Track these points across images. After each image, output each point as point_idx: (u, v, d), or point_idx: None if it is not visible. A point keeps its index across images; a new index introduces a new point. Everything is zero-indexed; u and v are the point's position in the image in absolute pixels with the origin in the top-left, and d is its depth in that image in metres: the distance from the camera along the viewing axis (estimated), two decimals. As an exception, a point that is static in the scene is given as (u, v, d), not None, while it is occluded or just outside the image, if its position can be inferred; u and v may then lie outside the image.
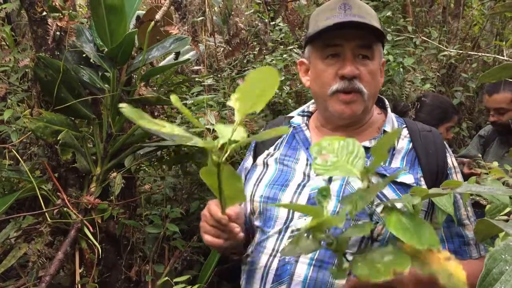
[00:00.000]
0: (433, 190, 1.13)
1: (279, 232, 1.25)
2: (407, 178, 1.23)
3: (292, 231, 1.23)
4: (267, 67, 0.67)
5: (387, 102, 1.42)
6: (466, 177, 1.53)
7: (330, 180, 1.25)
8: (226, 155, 0.73)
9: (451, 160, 1.33)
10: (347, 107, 1.25)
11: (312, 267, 1.16)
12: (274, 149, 1.42)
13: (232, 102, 0.70)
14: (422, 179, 1.26)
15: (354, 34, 1.23)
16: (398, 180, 1.22)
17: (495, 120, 2.61)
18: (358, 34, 1.23)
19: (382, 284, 0.93)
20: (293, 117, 1.46)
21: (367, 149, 1.28)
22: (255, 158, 1.46)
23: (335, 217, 0.87)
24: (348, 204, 0.88)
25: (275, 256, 1.23)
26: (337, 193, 1.22)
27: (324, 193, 0.94)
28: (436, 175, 1.27)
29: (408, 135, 1.33)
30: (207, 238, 1.20)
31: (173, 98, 0.70)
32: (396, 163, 1.27)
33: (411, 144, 1.31)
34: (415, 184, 1.23)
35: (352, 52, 1.24)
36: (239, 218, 1.20)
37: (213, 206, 1.17)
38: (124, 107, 0.63)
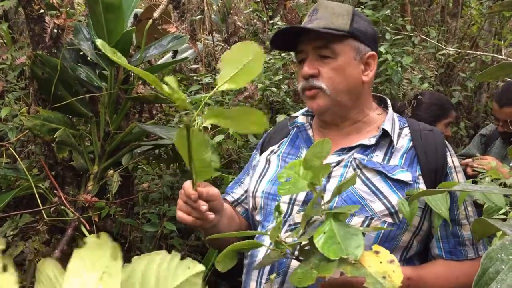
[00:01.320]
0: (427, 191, 1.15)
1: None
2: (404, 175, 1.24)
3: (290, 225, 1.26)
4: (251, 42, 0.67)
5: (389, 102, 1.44)
6: (469, 178, 1.54)
7: (328, 178, 1.28)
8: (197, 122, 0.73)
9: (452, 159, 1.34)
10: (312, 102, 1.34)
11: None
12: (278, 147, 1.47)
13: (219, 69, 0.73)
14: (420, 177, 1.27)
15: (312, 37, 1.32)
16: (395, 177, 1.23)
17: (504, 131, 2.59)
18: (316, 37, 1.31)
19: (347, 285, 1.02)
20: (297, 116, 1.50)
21: (365, 146, 1.31)
22: (261, 155, 1.51)
23: (292, 232, 1.04)
24: (303, 216, 1.03)
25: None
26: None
27: (278, 209, 1.07)
28: (435, 173, 1.28)
29: (409, 134, 1.35)
30: (178, 213, 1.20)
31: (169, 79, 0.70)
32: (395, 161, 1.29)
33: (411, 143, 1.33)
34: (412, 182, 1.24)
35: (312, 53, 1.33)
36: (213, 200, 1.20)
37: (187, 182, 1.18)
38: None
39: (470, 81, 3.40)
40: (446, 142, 1.37)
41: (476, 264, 1.20)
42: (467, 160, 2.42)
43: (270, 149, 1.48)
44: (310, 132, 1.44)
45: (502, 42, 3.04)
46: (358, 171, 1.26)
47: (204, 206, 1.14)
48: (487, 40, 3.95)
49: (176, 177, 2.54)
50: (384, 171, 1.24)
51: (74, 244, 2.05)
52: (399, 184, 1.23)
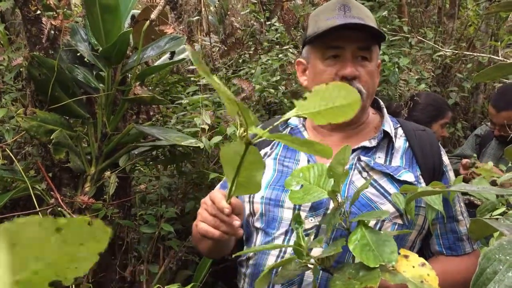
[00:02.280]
0: (426, 191, 1.15)
1: (285, 233, 1.25)
2: (408, 176, 1.25)
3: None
4: (353, 89, 0.59)
5: (381, 102, 1.44)
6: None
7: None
8: (260, 135, 0.66)
9: (445, 158, 1.37)
10: None
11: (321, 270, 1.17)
12: (271, 149, 1.42)
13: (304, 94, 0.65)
14: (421, 177, 1.28)
15: (354, 36, 1.26)
16: (401, 178, 1.24)
17: (501, 134, 2.59)
18: (358, 36, 1.25)
19: None
20: (289, 118, 1.46)
21: (366, 148, 1.30)
22: None
23: (314, 241, 1.00)
24: (328, 225, 0.99)
25: (282, 257, 1.23)
26: (341, 193, 1.22)
27: (298, 219, 1.04)
28: (433, 173, 1.30)
29: (404, 134, 1.36)
30: (203, 226, 1.10)
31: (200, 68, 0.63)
32: (396, 161, 1.30)
33: (407, 143, 1.33)
34: (415, 182, 1.25)
35: (352, 53, 1.26)
36: (240, 213, 1.15)
37: (217, 193, 1.10)
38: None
39: (467, 82, 3.41)
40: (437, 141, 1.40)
41: (473, 258, 1.25)
42: (466, 160, 2.42)
43: (263, 151, 1.42)
44: (305, 133, 1.40)
45: (499, 43, 3.05)
46: (365, 174, 1.25)
47: (237, 221, 1.07)
48: (484, 41, 3.96)
49: (173, 178, 2.54)
50: (390, 173, 1.25)
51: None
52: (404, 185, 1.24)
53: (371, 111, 1.42)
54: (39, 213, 1.95)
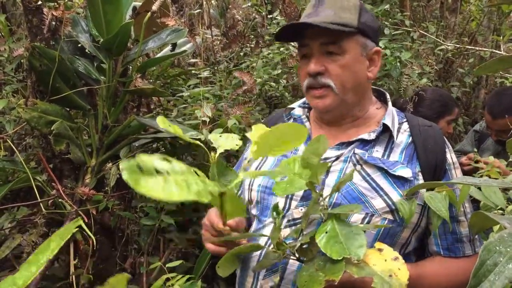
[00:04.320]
0: (426, 184, 1.14)
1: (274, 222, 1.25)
2: (405, 172, 1.22)
3: (289, 221, 1.24)
4: (300, 125, 0.69)
5: (388, 96, 1.41)
6: (465, 173, 1.53)
7: (327, 173, 1.25)
8: (234, 184, 0.75)
9: (451, 155, 1.32)
10: (319, 101, 1.29)
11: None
12: None
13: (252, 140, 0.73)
14: (420, 173, 1.25)
15: (318, 32, 1.25)
16: (396, 173, 1.21)
17: (498, 139, 2.59)
18: (322, 31, 1.23)
19: (347, 285, 1.01)
20: (293, 108, 1.47)
21: (365, 141, 1.29)
22: None
23: (291, 232, 1.02)
24: (304, 215, 1.01)
25: (270, 244, 1.23)
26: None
27: (277, 210, 1.05)
28: (434, 170, 1.27)
29: (408, 129, 1.33)
30: (210, 246, 1.20)
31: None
32: (395, 156, 1.27)
33: (410, 138, 1.31)
34: (412, 179, 1.22)
35: (318, 50, 1.26)
36: (240, 225, 1.19)
37: (213, 216, 1.16)
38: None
39: (468, 76, 3.40)
40: (445, 138, 1.35)
41: (474, 261, 1.18)
42: (463, 158, 2.42)
43: None
44: (307, 124, 1.41)
45: (501, 37, 3.04)
46: (359, 167, 1.24)
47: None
48: (486, 36, 3.95)
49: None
50: (385, 167, 1.22)
51: (71, 237, 2.05)
52: (400, 181, 1.21)
53: (376, 105, 1.39)
54: (40, 204, 1.95)
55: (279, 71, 2.79)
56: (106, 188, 2.16)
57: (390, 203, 1.19)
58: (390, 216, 1.19)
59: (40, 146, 2.12)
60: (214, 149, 1.01)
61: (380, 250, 0.90)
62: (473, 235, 1.29)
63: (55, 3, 2.05)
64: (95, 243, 1.98)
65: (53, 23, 2.04)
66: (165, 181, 0.60)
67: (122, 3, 2.09)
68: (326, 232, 0.91)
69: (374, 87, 1.44)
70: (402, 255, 1.23)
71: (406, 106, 2.40)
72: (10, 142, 2.06)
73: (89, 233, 1.96)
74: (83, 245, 2.04)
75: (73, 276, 1.99)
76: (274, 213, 1.05)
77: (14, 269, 2.12)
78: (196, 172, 0.66)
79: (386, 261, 0.88)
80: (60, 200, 1.99)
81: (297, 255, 0.98)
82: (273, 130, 0.69)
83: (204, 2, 4.00)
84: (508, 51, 3.46)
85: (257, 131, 0.91)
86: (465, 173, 2.45)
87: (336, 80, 1.26)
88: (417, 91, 2.48)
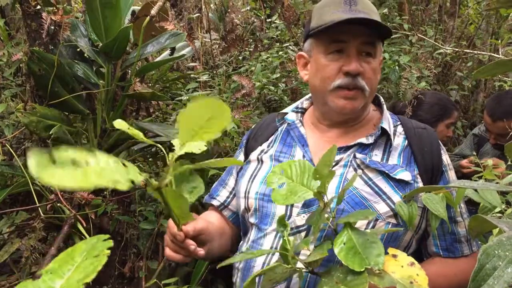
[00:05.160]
0: (425, 187, 1.14)
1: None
2: (405, 175, 1.22)
3: (291, 229, 1.21)
4: (219, 101, 0.63)
5: (382, 99, 1.41)
6: (465, 176, 1.53)
7: None
8: (167, 180, 0.74)
9: (446, 157, 1.33)
10: (348, 102, 1.25)
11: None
12: (268, 146, 1.41)
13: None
14: (418, 176, 1.25)
15: (360, 31, 1.22)
16: (397, 177, 1.21)
17: (497, 143, 2.60)
18: (363, 31, 1.22)
19: None
20: (287, 113, 1.45)
21: (363, 145, 1.29)
22: (246, 154, 1.45)
23: (301, 243, 0.97)
24: (314, 226, 0.96)
25: (273, 254, 1.22)
26: (335, 191, 1.22)
27: (283, 222, 1.01)
28: (431, 172, 1.27)
29: (403, 132, 1.33)
30: (166, 251, 1.18)
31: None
32: (393, 160, 1.27)
33: (406, 141, 1.31)
34: (412, 182, 1.22)
35: (357, 49, 1.23)
36: (201, 234, 1.17)
37: (171, 222, 1.15)
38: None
39: (467, 80, 3.40)
40: (439, 140, 1.35)
41: (472, 260, 1.18)
42: (463, 162, 2.42)
43: (260, 148, 1.41)
44: (302, 129, 1.38)
45: (499, 41, 3.05)
46: (360, 171, 1.23)
47: (192, 246, 1.11)
48: (484, 40, 3.96)
49: (173, 174, 2.53)
50: (386, 171, 1.22)
51: (70, 241, 2.05)
52: (401, 184, 1.21)
53: (372, 108, 1.39)
54: (39, 208, 1.95)
55: (278, 74, 2.80)
56: (105, 192, 2.15)
57: (393, 206, 1.19)
58: (393, 220, 1.19)
59: (39, 151, 2.12)
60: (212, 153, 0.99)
61: (394, 256, 0.88)
62: (473, 238, 1.29)
63: (54, 8, 2.05)
64: (94, 248, 1.98)
65: (52, 27, 2.05)
66: (79, 172, 0.56)
67: (121, 7, 2.09)
68: (344, 243, 0.88)
69: None
70: None
71: (405, 110, 2.40)
72: (9, 147, 2.06)
73: (87, 237, 1.96)
74: (81, 250, 2.03)
75: (72, 281, 1.98)
76: (280, 227, 1.01)
77: (12, 274, 2.11)
78: (124, 164, 0.63)
79: (403, 267, 0.86)
80: (58, 204, 1.99)
81: (309, 268, 0.95)
82: (191, 108, 0.63)
83: (203, 6, 4.01)
84: (507, 54, 3.47)
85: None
86: (465, 176, 2.45)
87: (369, 83, 1.25)
88: (416, 95, 2.48)
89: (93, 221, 2.05)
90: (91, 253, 0.60)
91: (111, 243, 0.61)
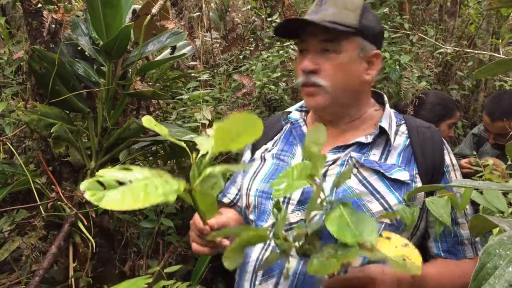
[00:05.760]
0: (424, 187, 1.13)
1: (272, 226, 1.25)
2: (401, 174, 1.22)
3: (285, 226, 1.22)
4: (254, 116, 0.69)
5: (385, 98, 1.40)
6: (464, 176, 1.52)
7: (324, 177, 1.25)
8: (197, 182, 0.78)
9: (449, 157, 1.31)
10: (311, 99, 1.29)
11: (302, 261, 1.17)
12: (272, 145, 1.42)
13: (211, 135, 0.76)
14: (417, 176, 1.24)
15: (317, 29, 1.24)
16: (392, 176, 1.21)
17: (496, 143, 2.59)
18: (321, 29, 1.23)
19: (354, 281, 1.01)
20: (291, 112, 1.46)
21: (362, 144, 1.29)
22: (253, 152, 1.47)
23: (295, 227, 0.99)
24: (308, 211, 0.98)
25: (266, 249, 1.24)
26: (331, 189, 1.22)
27: (278, 206, 1.04)
28: (432, 172, 1.25)
29: (406, 132, 1.32)
30: (193, 246, 1.22)
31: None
32: (392, 159, 1.26)
33: (408, 140, 1.30)
34: (409, 181, 1.21)
35: (314, 47, 1.26)
36: (227, 227, 1.22)
37: (196, 217, 1.19)
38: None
39: (467, 80, 3.40)
40: (444, 140, 1.33)
41: (475, 263, 1.18)
42: (463, 161, 2.42)
43: (264, 147, 1.43)
44: (304, 128, 1.40)
45: (500, 41, 3.05)
46: (355, 170, 1.23)
47: (218, 238, 1.15)
48: (485, 39, 3.96)
49: (173, 173, 2.54)
50: (382, 170, 1.21)
51: (70, 240, 2.05)
52: (396, 184, 1.20)
53: (374, 107, 1.38)
54: (40, 207, 1.95)
55: (279, 74, 2.79)
56: (106, 191, 2.15)
57: (387, 206, 1.18)
58: (387, 220, 1.18)
59: (40, 149, 2.12)
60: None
61: (388, 238, 0.88)
62: (474, 238, 1.28)
63: (55, 6, 2.05)
64: (94, 246, 1.98)
65: (53, 26, 2.05)
66: (128, 190, 0.61)
67: (122, 6, 2.09)
68: (336, 219, 0.88)
69: (373, 89, 1.43)
70: None
71: (406, 109, 2.39)
72: (9, 145, 2.06)
73: (88, 236, 1.96)
74: (82, 248, 2.03)
75: (73, 279, 1.98)
76: (275, 210, 1.04)
77: (13, 272, 2.12)
78: (160, 174, 0.67)
79: (397, 248, 0.86)
80: (59, 202, 1.99)
81: (302, 252, 0.96)
82: (228, 123, 0.69)
83: (204, 5, 4.01)
84: (507, 54, 3.47)
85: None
86: (464, 176, 2.45)
87: (329, 79, 1.25)
88: (418, 94, 2.48)
89: (93, 219, 2.05)
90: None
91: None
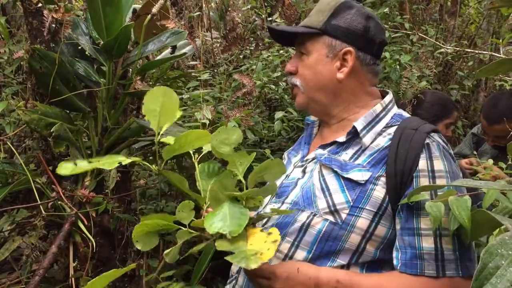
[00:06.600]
0: (418, 189, 1.12)
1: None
2: (358, 175, 1.19)
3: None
4: (162, 87, 0.85)
5: (387, 98, 1.37)
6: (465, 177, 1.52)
7: (304, 173, 1.33)
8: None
9: (427, 163, 1.16)
10: (295, 99, 1.41)
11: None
12: (295, 146, 1.55)
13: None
14: (382, 178, 1.17)
15: (291, 35, 1.39)
16: (346, 176, 1.20)
17: (495, 145, 2.60)
18: (293, 34, 1.39)
19: (264, 273, 1.11)
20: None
21: (338, 143, 1.31)
22: None
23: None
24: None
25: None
26: (301, 186, 1.30)
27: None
28: (401, 176, 1.16)
29: (393, 133, 1.25)
30: None
31: None
32: (360, 159, 1.23)
33: (389, 142, 1.23)
34: (363, 182, 1.17)
35: (296, 50, 1.39)
36: None
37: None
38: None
39: (468, 79, 3.40)
40: (434, 144, 1.19)
41: (436, 285, 1.07)
42: (464, 163, 2.42)
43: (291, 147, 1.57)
44: (315, 129, 1.47)
45: (500, 40, 3.04)
46: (318, 168, 1.28)
47: None
48: (485, 39, 3.96)
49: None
50: (336, 169, 1.22)
51: (71, 239, 2.05)
52: (351, 183, 1.18)
53: (378, 107, 1.34)
54: (40, 206, 1.95)
55: (279, 73, 2.79)
56: (106, 190, 2.15)
57: (331, 204, 1.18)
58: (331, 218, 1.17)
59: (40, 148, 2.12)
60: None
61: (269, 234, 0.98)
62: (473, 239, 1.19)
63: (55, 6, 2.05)
64: (94, 246, 1.98)
65: (53, 25, 2.05)
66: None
67: (122, 5, 2.09)
68: (219, 211, 1.01)
69: (380, 89, 1.44)
70: (357, 264, 1.16)
71: (404, 109, 2.39)
72: (9, 144, 2.05)
73: (88, 235, 1.96)
74: (82, 248, 2.03)
75: (73, 279, 1.98)
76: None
77: (13, 272, 2.12)
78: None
79: (265, 242, 0.95)
80: (59, 202, 1.99)
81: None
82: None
83: (204, 5, 4.00)
84: (508, 53, 3.47)
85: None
86: (465, 176, 2.45)
87: (302, 80, 1.35)
88: (416, 94, 2.48)
89: (94, 219, 2.05)
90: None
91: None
